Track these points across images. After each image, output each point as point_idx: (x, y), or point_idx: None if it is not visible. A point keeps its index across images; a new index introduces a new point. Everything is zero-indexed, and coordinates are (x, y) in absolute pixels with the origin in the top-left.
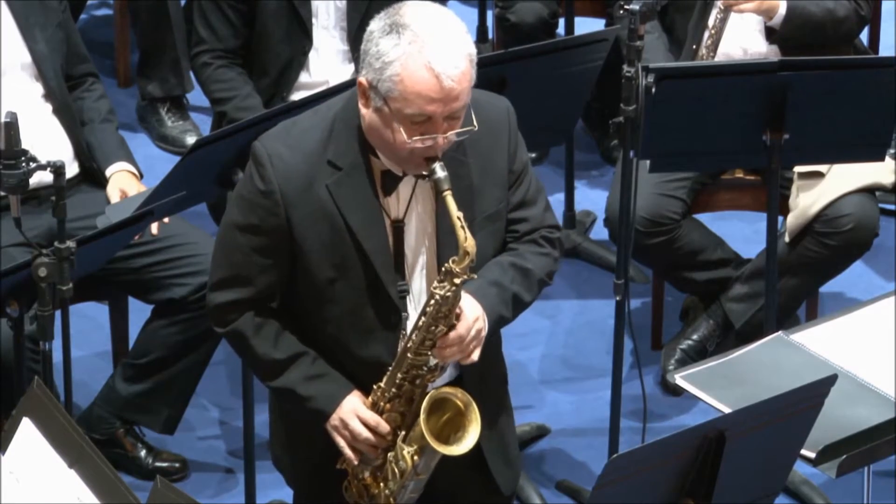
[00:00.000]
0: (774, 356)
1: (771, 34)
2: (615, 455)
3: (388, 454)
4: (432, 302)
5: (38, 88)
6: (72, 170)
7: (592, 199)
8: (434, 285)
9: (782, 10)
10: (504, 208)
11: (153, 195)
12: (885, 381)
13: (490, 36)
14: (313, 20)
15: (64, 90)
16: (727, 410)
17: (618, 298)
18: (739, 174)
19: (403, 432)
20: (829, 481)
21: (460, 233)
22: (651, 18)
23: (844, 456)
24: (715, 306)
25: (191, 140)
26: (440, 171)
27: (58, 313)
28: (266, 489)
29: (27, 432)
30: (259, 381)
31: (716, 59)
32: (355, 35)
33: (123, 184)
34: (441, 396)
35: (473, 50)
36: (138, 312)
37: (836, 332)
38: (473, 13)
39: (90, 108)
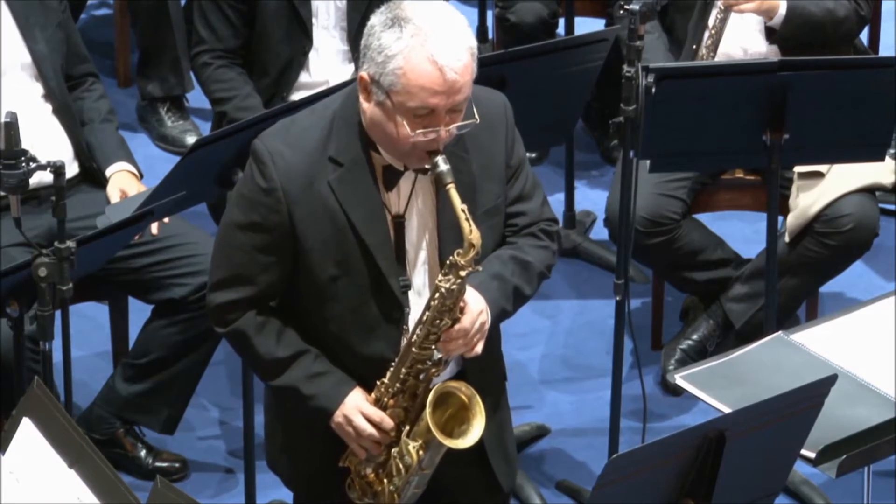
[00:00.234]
0: (774, 356)
1: (771, 34)
2: (615, 455)
3: (392, 450)
4: (437, 295)
5: (38, 88)
6: (72, 170)
7: (592, 199)
8: (439, 279)
9: (782, 10)
10: (503, 203)
11: (153, 195)
12: (885, 381)
13: (490, 36)
14: (313, 20)
15: (64, 90)
16: (727, 410)
17: (618, 298)
18: (739, 174)
19: (407, 427)
20: (829, 481)
21: (465, 225)
22: (651, 18)
23: (844, 456)
24: (715, 306)
25: (191, 140)
26: (443, 165)
27: (58, 313)
28: (266, 489)
29: (27, 432)
30: (260, 380)
31: (716, 59)
32: (355, 35)
33: (123, 184)
34: (445, 390)
35: (474, 43)
36: (138, 312)
37: (836, 332)
38: (473, 13)
39: (90, 108)
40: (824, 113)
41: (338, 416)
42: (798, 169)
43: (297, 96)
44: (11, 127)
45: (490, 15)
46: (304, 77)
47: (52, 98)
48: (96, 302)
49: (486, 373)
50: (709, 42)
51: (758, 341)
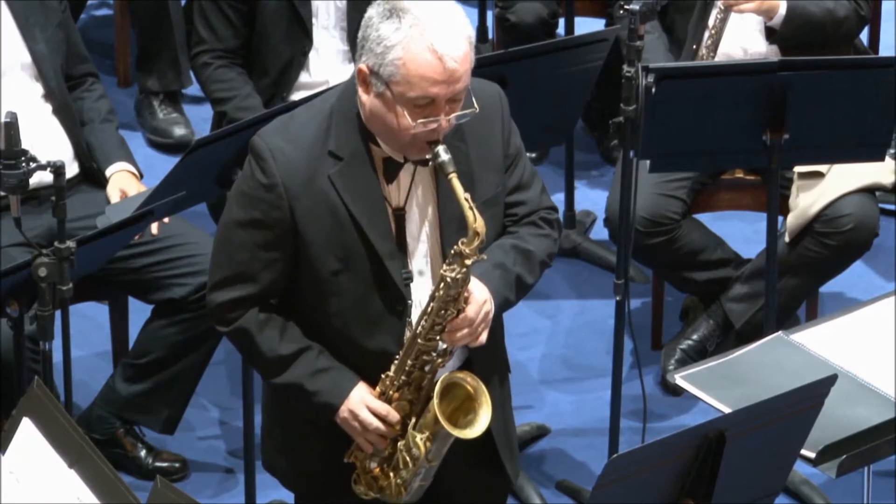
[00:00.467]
0: (774, 356)
1: (771, 34)
2: (615, 455)
3: (398, 443)
4: (442, 285)
5: (38, 88)
6: (72, 170)
7: (592, 199)
8: (444, 269)
9: (782, 10)
10: (502, 193)
11: (153, 195)
12: (885, 381)
13: (490, 36)
14: (313, 20)
15: (64, 90)
16: (727, 410)
17: (618, 298)
18: (739, 174)
19: (413, 420)
20: (829, 481)
21: (469, 214)
22: (651, 18)
23: (844, 456)
24: (715, 306)
25: (179, 132)
26: (444, 154)
27: (58, 313)
28: (266, 489)
29: (27, 432)
30: (263, 378)
31: (716, 59)
32: (355, 35)
33: (123, 184)
34: (451, 381)
35: (472, 32)
36: (138, 312)
37: (836, 332)
38: (473, 13)
39: (90, 108)
40: (824, 113)
41: (343, 411)
42: (798, 169)
43: (297, 96)
44: (11, 127)
45: (490, 15)
46: (304, 77)
47: (52, 98)
48: (96, 302)
49: (491, 364)
50: (709, 42)
51: (758, 341)
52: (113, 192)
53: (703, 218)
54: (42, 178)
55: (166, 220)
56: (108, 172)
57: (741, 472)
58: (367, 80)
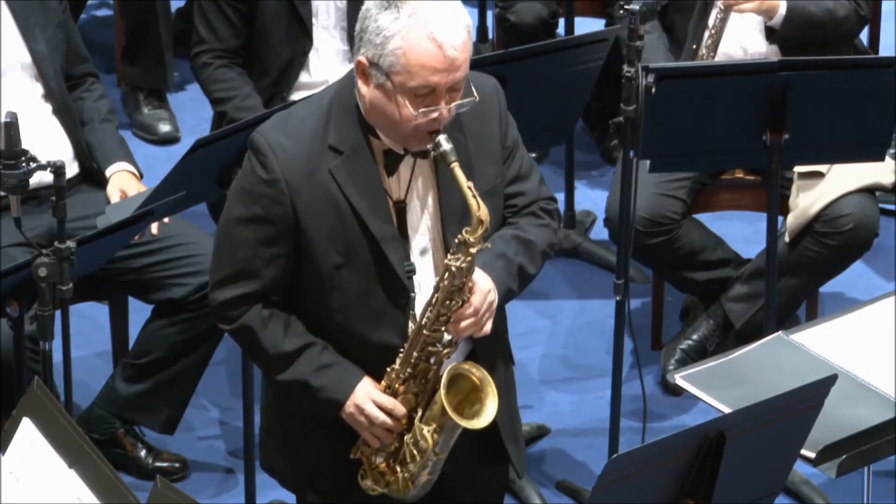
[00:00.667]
0: (774, 356)
1: (771, 34)
2: (615, 455)
3: (405, 437)
4: (447, 275)
5: (38, 88)
6: (72, 170)
7: (592, 199)
8: (448, 258)
9: (782, 9)
10: (501, 184)
11: (153, 195)
12: (885, 381)
13: (490, 36)
14: (313, 20)
15: (64, 90)
16: (727, 410)
17: (618, 298)
18: (739, 174)
19: (420, 412)
20: (829, 481)
21: (472, 202)
22: (651, 18)
23: (844, 456)
24: (715, 306)
25: (164, 129)
26: (445, 144)
27: (58, 313)
28: (266, 489)
29: (27, 432)
30: (267, 376)
31: (716, 59)
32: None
33: (123, 184)
34: (456, 372)
35: (470, 21)
36: (138, 312)
37: (836, 332)
38: (473, 13)
39: (90, 109)
40: (824, 113)
41: (349, 407)
42: (798, 169)
43: (297, 96)
44: (11, 127)
45: (490, 15)
46: (304, 77)
47: (52, 98)
48: (96, 302)
49: (494, 356)
50: (709, 42)
51: (758, 341)
52: (113, 192)
53: (703, 218)
54: (42, 178)
55: (166, 220)
56: (108, 172)
57: (741, 472)
58: (367, 72)
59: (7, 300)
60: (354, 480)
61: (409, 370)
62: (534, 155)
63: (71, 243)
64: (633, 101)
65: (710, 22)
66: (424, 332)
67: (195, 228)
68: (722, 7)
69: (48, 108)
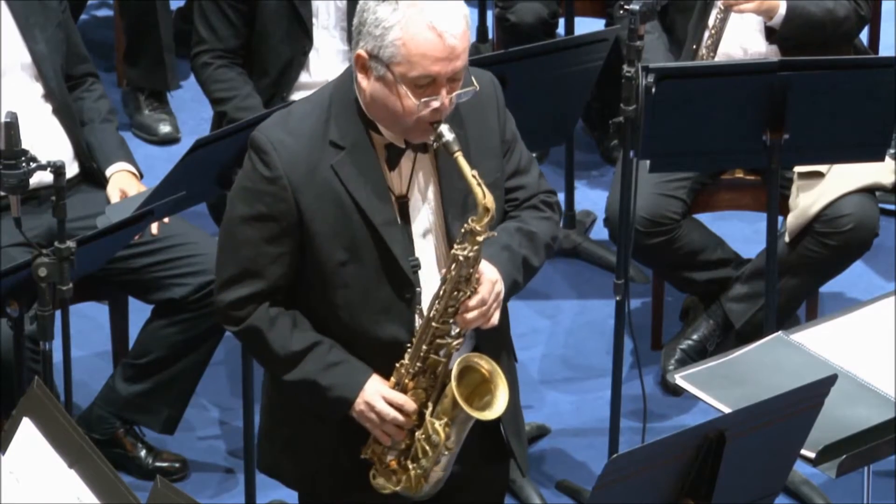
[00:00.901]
0: (774, 356)
1: (771, 34)
2: (615, 455)
3: (416, 433)
4: (454, 266)
5: (38, 88)
6: (72, 170)
7: (592, 199)
8: (455, 248)
9: (782, 9)
10: (501, 178)
11: (153, 195)
12: (885, 381)
13: (490, 36)
14: (313, 20)
15: (64, 90)
16: (727, 410)
17: (618, 298)
18: (739, 174)
19: (430, 407)
20: (829, 481)
21: (478, 190)
22: (651, 18)
23: (844, 456)
24: (715, 306)
25: (164, 130)
26: (448, 134)
27: (58, 313)
28: (266, 489)
29: (27, 432)
30: (276, 377)
31: (716, 59)
32: None
33: (123, 184)
34: (466, 364)
35: (467, 11)
36: (138, 312)
37: (836, 332)
38: (473, 13)
39: (90, 109)
40: (824, 113)
41: (359, 404)
42: (798, 169)
43: (297, 96)
44: (11, 127)
45: (490, 15)
46: (304, 77)
47: (52, 98)
48: (96, 302)
49: (499, 352)
50: (709, 42)
51: (758, 341)
52: (113, 192)
53: (703, 218)
54: (42, 178)
55: (166, 220)
56: (108, 172)
57: (741, 472)
58: (367, 65)
59: (7, 300)
60: (362, 479)
61: (418, 364)
62: (534, 155)
63: (71, 243)
64: (633, 101)
65: (710, 22)
66: (433, 324)
67: (195, 228)
68: (722, 7)
69: (48, 108)
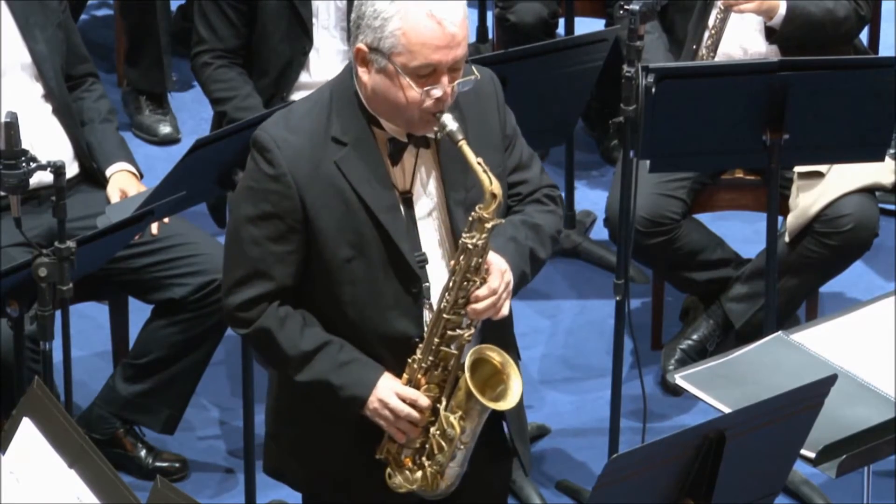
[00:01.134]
0: (774, 356)
1: (771, 34)
2: (615, 455)
3: (431, 429)
4: (463, 256)
5: (38, 88)
6: (72, 170)
7: (592, 199)
8: (463, 237)
9: (782, 10)
10: (503, 173)
11: (153, 195)
12: (885, 381)
13: (490, 36)
14: (314, 20)
15: (64, 90)
16: (727, 410)
17: (618, 298)
18: (739, 174)
19: (444, 402)
20: (829, 481)
21: (484, 178)
22: (651, 18)
23: (844, 456)
24: (715, 306)
25: (164, 131)
26: (451, 123)
27: (58, 313)
28: (266, 489)
29: (27, 432)
30: (286, 378)
31: (716, 59)
32: None
33: (123, 184)
34: (478, 356)
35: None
36: (138, 312)
37: (836, 332)
38: (473, 13)
39: (90, 108)
40: (824, 113)
41: (372, 402)
42: (798, 169)
43: (297, 96)
44: (11, 127)
45: (490, 15)
46: (304, 77)
47: (52, 98)
48: (96, 302)
49: (504, 349)
50: (709, 42)
51: (758, 341)
52: (113, 192)
53: (703, 218)
54: (42, 178)
55: (166, 220)
56: (108, 172)
57: (741, 472)
58: (367, 59)
59: (7, 300)
60: (372, 479)
61: (430, 358)
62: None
63: (71, 243)
64: (633, 101)
65: (710, 22)
66: (444, 316)
67: (195, 228)
68: (722, 7)
69: (48, 108)
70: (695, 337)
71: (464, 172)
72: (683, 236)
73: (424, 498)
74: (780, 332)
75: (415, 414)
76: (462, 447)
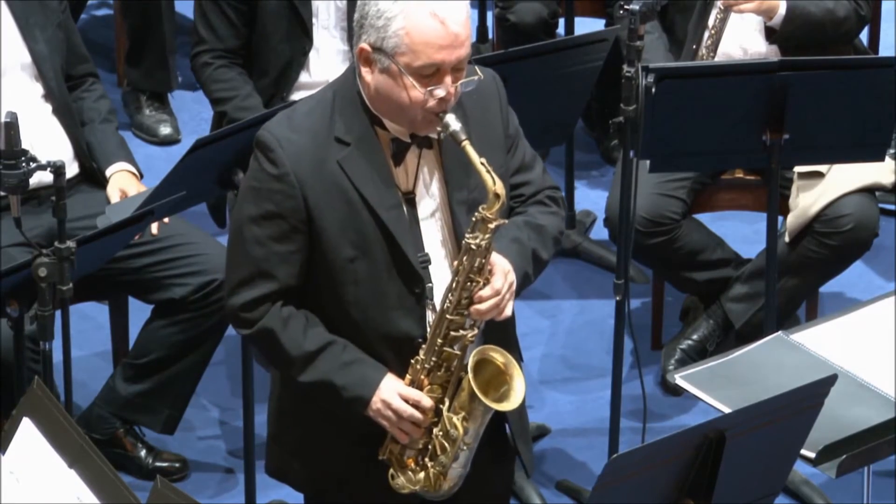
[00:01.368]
0: (774, 356)
1: (771, 34)
2: (615, 455)
3: (434, 430)
4: (466, 257)
5: (38, 88)
6: (72, 170)
7: (592, 199)
8: (466, 237)
9: (782, 10)
10: (506, 174)
11: (153, 195)
12: (885, 381)
13: (490, 36)
14: (314, 20)
15: (64, 90)
16: (727, 410)
17: (618, 298)
18: (739, 174)
19: (447, 403)
20: (829, 481)
21: (487, 177)
22: (651, 18)
23: (844, 456)
24: (715, 306)
25: (165, 131)
26: (454, 123)
27: (58, 313)
28: (266, 489)
29: (27, 432)
30: (289, 378)
31: (716, 59)
32: None
33: (123, 184)
34: (481, 357)
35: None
36: (138, 312)
37: (836, 332)
38: (474, 13)
39: (90, 108)
40: (824, 113)
41: (375, 402)
42: (798, 169)
43: (297, 96)
44: (11, 127)
45: (490, 15)
46: (304, 77)
47: (52, 98)
48: (96, 302)
49: (507, 349)
50: (709, 42)
51: (758, 341)
52: (113, 192)
53: (703, 218)
54: (42, 178)
55: (166, 220)
56: (108, 172)
57: (741, 472)
58: (370, 58)
59: (7, 300)
60: (374, 480)
61: (433, 359)
62: None
63: (71, 243)
64: (633, 101)
65: (710, 22)
66: (447, 316)
67: (195, 228)
68: (722, 7)
69: (48, 108)
70: (695, 337)
71: (467, 173)
72: (683, 236)
73: (427, 499)
74: (780, 332)
75: (418, 415)
76: (465, 448)
